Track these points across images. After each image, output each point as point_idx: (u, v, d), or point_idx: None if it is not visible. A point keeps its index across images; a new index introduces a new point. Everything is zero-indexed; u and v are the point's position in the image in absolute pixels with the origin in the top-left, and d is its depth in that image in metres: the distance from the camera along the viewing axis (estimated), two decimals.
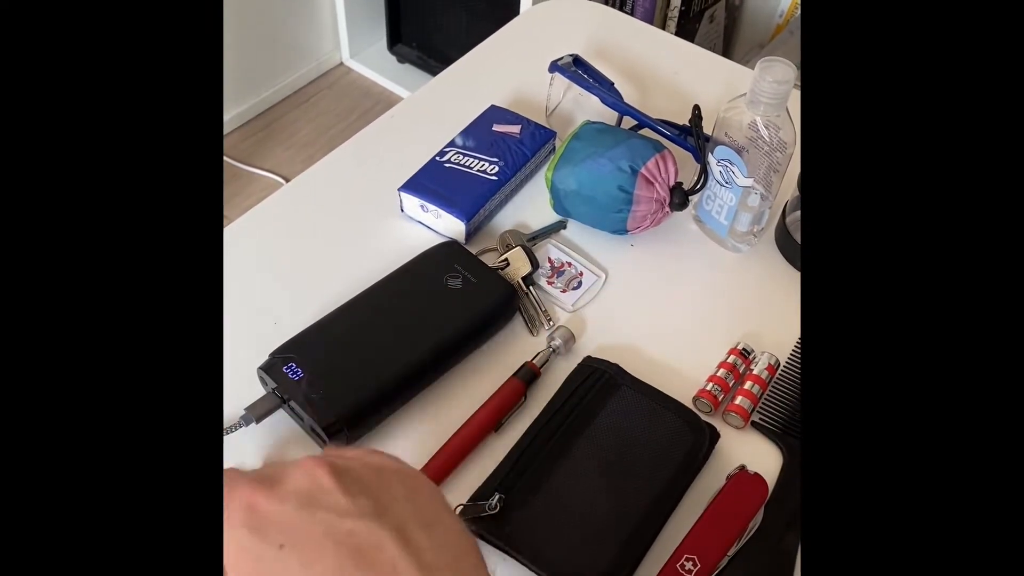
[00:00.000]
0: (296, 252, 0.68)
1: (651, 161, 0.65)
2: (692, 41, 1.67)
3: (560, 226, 0.71)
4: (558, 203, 0.69)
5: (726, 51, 1.80)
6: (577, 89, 0.78)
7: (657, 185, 0.66)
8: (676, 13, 1.57)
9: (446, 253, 0.65)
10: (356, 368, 0.56)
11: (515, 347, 0.63)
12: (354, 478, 0.35)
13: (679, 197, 0.67)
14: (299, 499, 0.33)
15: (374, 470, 0.36)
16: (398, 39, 1.97)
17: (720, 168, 0.65)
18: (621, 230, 0.68)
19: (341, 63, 2.06)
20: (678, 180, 0.68)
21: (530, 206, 0.73)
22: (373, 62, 2.03)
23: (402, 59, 1.98)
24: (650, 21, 1.56)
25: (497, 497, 0.52)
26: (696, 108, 0.70)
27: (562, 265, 0.68)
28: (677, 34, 1.61)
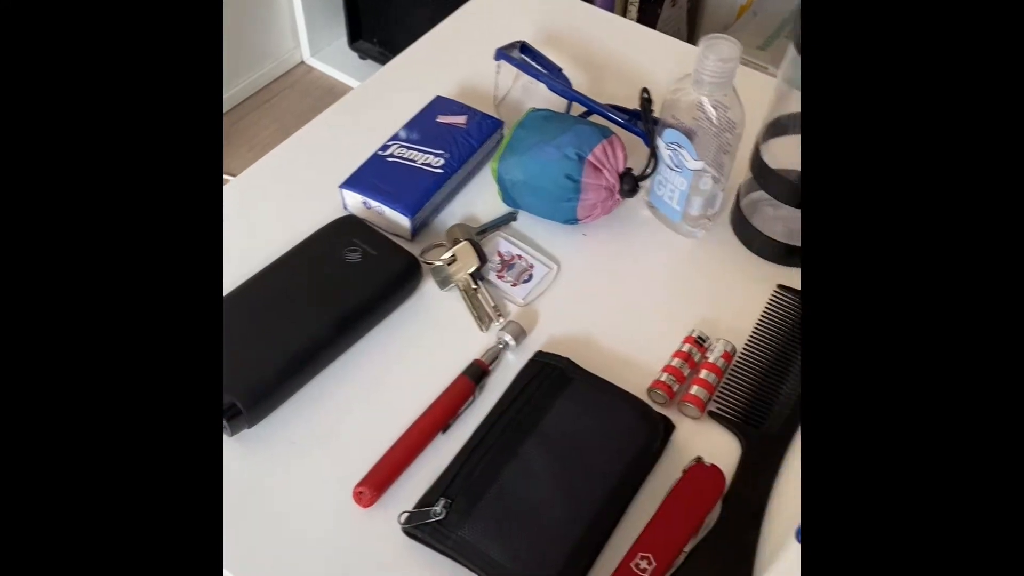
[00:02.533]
0: (238, 252, 0.65)
1: (598, 147, 0.63)
2: (655, 26, 1.65)
3: (510, 218, 0.69)
4: (506, 194, 0.67)
5: (690, 35, 1.78)
6: (526, 77, 0.76)
7: (605, 172, 0.64)
8: None
9: (343, 227, 0.64)
10: (251, 350, 0.55)
11: (466, 345, 0.60)
12: None
13: (629, 183, 0.65)
14: None
15: None
16: (359, 35, 1.94)
17: (670, 152, 0.63)
18: (572, 219, 0.66)
19: (302, 62, 2.02)
20: (628, 166, 0.66)
21: (480, 198, 0.71)
22: (334, 59, 1.99)
23: (364, 55, 1.95)
24: (611, 8, 1.54)
25: (443, 503, 0.50)
26: (644, 91, 0.68)
27: (512, 258, 0.66)
28: (639, 20, 1.59)
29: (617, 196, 0.65)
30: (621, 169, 0.65)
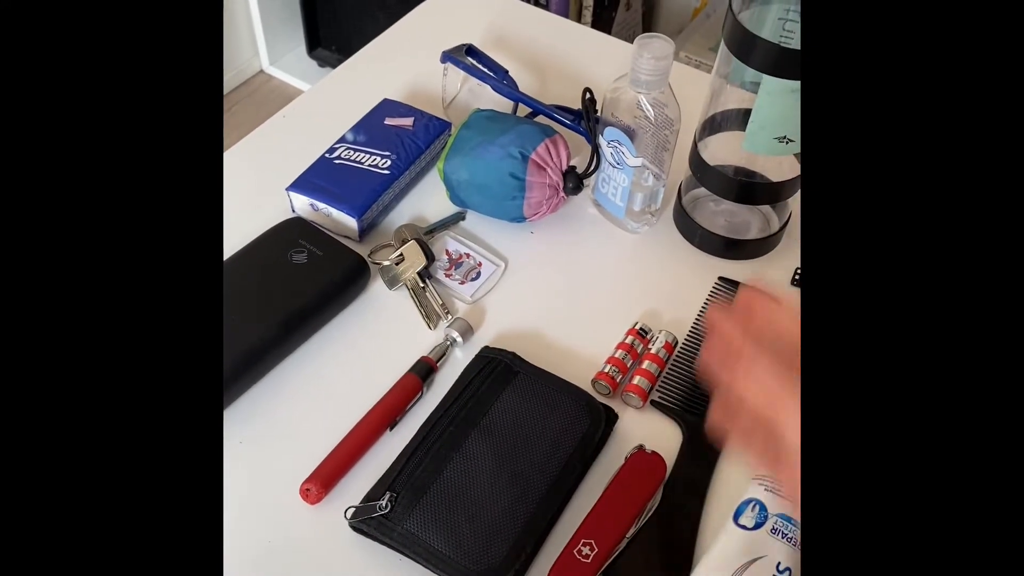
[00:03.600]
0: None
1: (541, 146, 0.65)
2: (610, 31, 1.67)
3: (459, 217, 0.70)
4: (453, 194, 0.68)
5: None
6: (474, 80, 0.77)
7: (549, 170, 0.65)
8: (591, 2, 1.57)
9: (290, 229, 0.64)
10: None
11: (414, 343, 0.61)
12: None
13: (573, 181, 0.66)
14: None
15: None
16: (317, 43, 1.94)
17: (611, 149, 0.65)
18: (518, 218, 0.67)
19: (261, 70, 2.02)
20: (571, 164, 0.67)
21: (429, 199, 0.71)
22: (294, 68, 1.99)
23: (323, 63, 1.95)
24: (565, 12, 1.56)
25: (389, 496, 0.51)
26: (587, 91, 0.69)
27: (460, 257, 0.67)
28: (594, 24, 1.61)
29: (562, 194, 0.67)
30: (564, 167, 0.66)
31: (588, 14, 1.58)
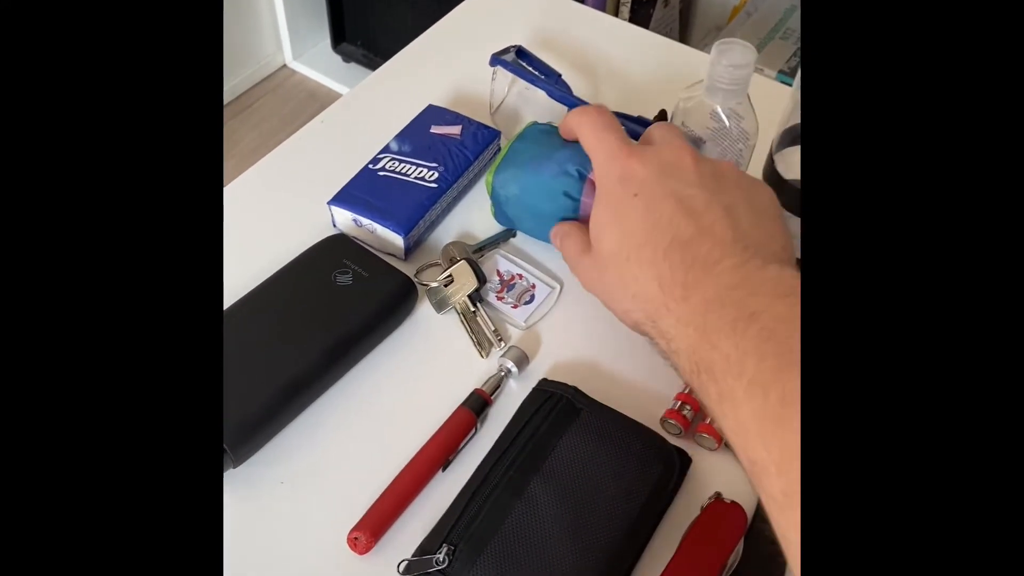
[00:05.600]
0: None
1: None
2: (647, 27, 1.62)
3: (509, 235, 0.65)
4: (499, 211, 0.63)
5: (683, 35, 1.75)
6: (523, 83, 0.72)
7: None
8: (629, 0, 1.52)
9: (333, 247, 0.60)
10: (235, 383, 0.50)
11: (465, 372, 0.57)
12: (710, 168, 0.47)
13: None
14: (661, 167, 0.47)
15: (730, 168, 0.49)
16: (342, 37, 1.90)
17: None
18: None
19: (284, 65, 1.98)
20: None
21: (477, 214, 0.67)
22: (318, 63, 1.95)
23: (348, 58, 1.91)
24: (602, 8, 1.51)
25: (446, 549, 0.46)
26: (663, 112, 0.64)
27: (512, 278, 0.62)
28: (631, 20, 1.55)
29: None
30: None
31: (625, 11, 1.53)
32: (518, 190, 0.61)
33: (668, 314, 0.44)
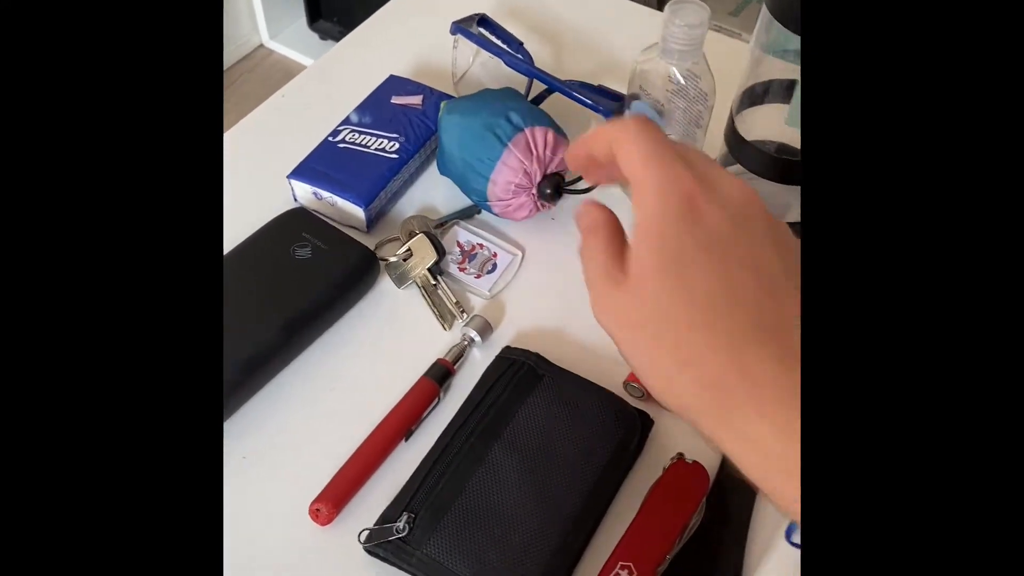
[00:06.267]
0: None
1: (540, 130, 0.58)
2: None
3: (473, 211, 0.64)
4: (440, 158, 0.62)
5: (660, 3, 1.74)
6: (486, 53, 0.71)
7: (534, 159, 0.58)
8: None
9: (291, 221, 0.59)
10: None
11: (428, 343, 0.56)
12: (773, 220, 0.36)
13: (551, 186, 0.59)
14: (734, 217, 0.34)
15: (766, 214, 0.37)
16: (318, 15, 1.88)
17: None
18: (483, 198, 0.60)
19: (261, 45, 1.96)
20: (561, 171, 0.60)
21: (442, 188, 0.66)
22: (295, 41, 1.93)
23: (324, 35, 1.89)
24: None
25: (406, 517, 0.46)
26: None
27: (473, 248, 0.62)
28: None
29: (534, 193, 0.60)
30: (552, 169, 0.60)
31: None
32: (458, 131, 0.60)
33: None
